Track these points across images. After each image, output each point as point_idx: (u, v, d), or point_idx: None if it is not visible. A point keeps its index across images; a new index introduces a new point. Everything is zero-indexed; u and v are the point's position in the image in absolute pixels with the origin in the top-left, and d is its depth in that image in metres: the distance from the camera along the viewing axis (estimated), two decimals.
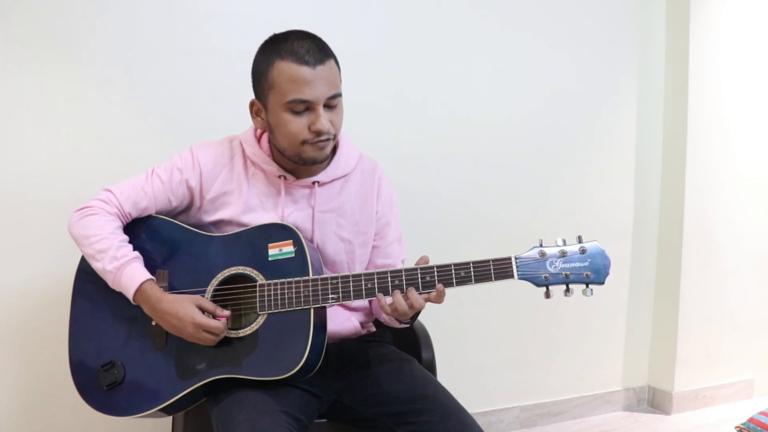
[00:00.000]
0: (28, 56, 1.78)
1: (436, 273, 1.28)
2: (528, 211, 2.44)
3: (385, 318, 1.48)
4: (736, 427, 2.13)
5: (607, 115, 2.57)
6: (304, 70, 1.30)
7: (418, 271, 1.29)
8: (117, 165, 1.85)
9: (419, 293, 1.28)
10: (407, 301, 1.28)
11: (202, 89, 1.95)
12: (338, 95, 1.36)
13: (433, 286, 1.28)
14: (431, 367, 1.65)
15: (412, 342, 1.67)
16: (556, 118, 2.47)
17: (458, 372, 2.36)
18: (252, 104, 1.41)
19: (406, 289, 1.28)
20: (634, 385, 2.73)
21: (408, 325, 1.44)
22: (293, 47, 1.32)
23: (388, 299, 1.30)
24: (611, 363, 2.68)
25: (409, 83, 2.23)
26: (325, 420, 1.46)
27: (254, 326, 1.33)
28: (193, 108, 1.94)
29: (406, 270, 1.29)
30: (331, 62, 1.35)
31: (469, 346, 2.41)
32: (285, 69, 1.31)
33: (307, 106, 1.33)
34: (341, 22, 2.11)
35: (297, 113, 1.33)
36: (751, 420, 2.09)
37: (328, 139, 1.36)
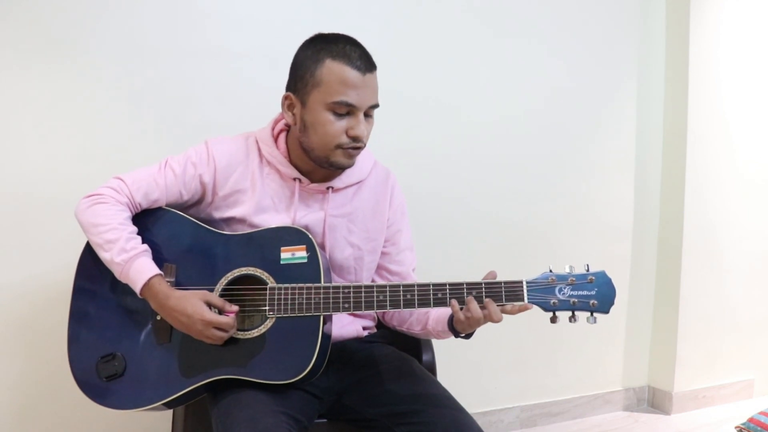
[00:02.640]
0: (28, 57, 1.78)
1: (448, 290, 1.29)
2: (528, 212, 2.44)
3: (429, 329, 1.46)
4: (736, 427, 2.14)
5: (607, 116, 2.57)
6: (355, 75, 1.30)
7: (431, 287, 1.29)
8: (117, 164, 1.84)
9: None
10: (484, 311, 1.27)
11: (202, 89, 1.95)
12: (377, 106, 1.37)
13: (445, 303, 1.29)
14: (431, 367, 1.65)
15: (412, 342, 1.67)
16: (557, 119, 2.47)
17: (458, 372, 2.36)
18: (286, 98, 1.39)
19: (485, 300, 1.28)
20: (634, 385, 2.73)
21: (465, 337, 1.42)
22: (345, 50, 1.31)
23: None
24: (611, 363, 2.68)
25: (409, 84, 2.22)
26: (325, 420, 1.46)
27: (262, 329, 1.32)
28: (193, 108, 1.94)
29: (419, 285, 1.30)
30: (376, 73, 1.35)
31: (469, 346, 2.38)
32: (336, 69, 1.30)
33: (350, 110, 1.32)
34: (341, 22, 2.11)
35: (338, 115, 1.32)
36: (751, 420, 2.09)
37: (359, 147, 1.36)
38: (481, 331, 2.37)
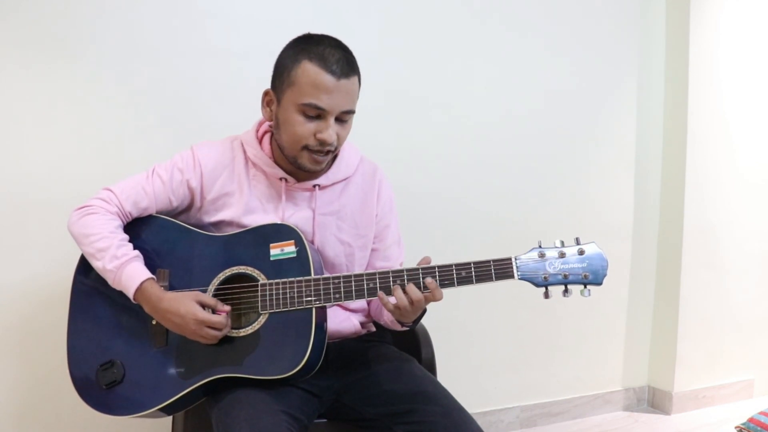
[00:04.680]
0: (28, 57, 1.78)
1: (437, 273, 1.28)
2: (528, 211, 2.44)
3: (386, 320, 1.48)
4: (736, 427, 2.13)
5: (607, 115, 2.58)
6: (329, 79, 1.30)
7: (420, 271, 1.29)
8: (117, 165, 1.85)
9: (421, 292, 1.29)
10: (407, 297, 1.28)
11: (202, 89, 1.95)
12: (352, 112, 1.37)
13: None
14: (431, 366, 1.65)
15: (412, 342, 1.67)
16: (556, 119, 2.47)
17: (458, 372, 2.36)
18: (266, 93, 1.41)
19: (407, 285, 1.28)
20: (634, 385, 2.73)
21: (409, 328, 1.43)
22: (324, 53, 1.31)
23: (391, 299, 1.30)
24: (611, 363, 2.68)
25: (409, 84, 2.23)
26: (325, 420, 1.46)
27: (255, 325, 1.33)
28: (193, 108, 1.94)
29: (408, 270, 1.30)
30: (355, 79, 1.35)
31: (469, 346, 2.41)
32: (310, 71, 1.30)
33: (320, 114, 1.32)
34: (341, 22, 2.11)
35: (308, 117, 1.33)
36: (751, 420, 2.09)
37: (328, 152, 1.36)
38: (481, 331, 2.40)
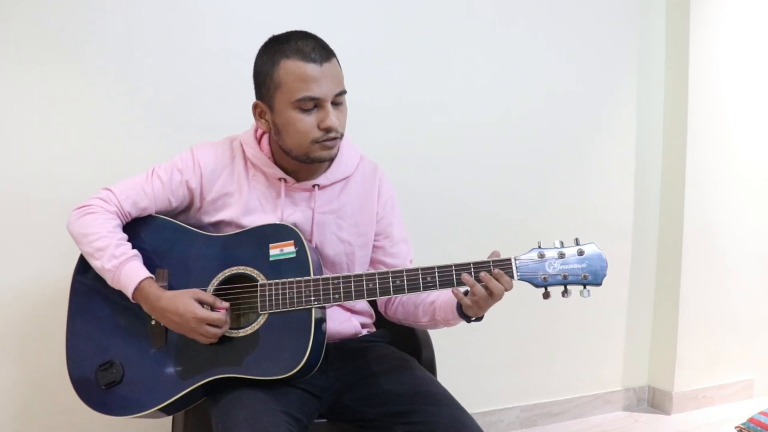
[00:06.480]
0: (27, 56, 1.78)
1: (437, 273, 1.29)
2: (528, 211, 2.44)
3: (435, 318, 1.44)
4: (736, 427, 2.13)
5: (607, 115, 2.57)
6: (312, 68, 1.30)
7: (419, 271, 1.29)
8: (117, 165, 1.85)
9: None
10: (484, 285, 1.26)
11: (202, 89, 1.95)
12: (344, 92, 1.37)
13: (435, 287, 1.29)
14: (431, 367, 1.65)
15: (412, 342, 1.67)
16: (557, 119, 2.47)
17: (458, 372, 2.36)
18: (255, 106, 1.41)
19: (475, 275, 1.27)
20: (634, 385, 2.73)
21: (479, 321, 1.38)
22: (298, 46, 1.32)
23: (462, 288, 1.29)
24: (611, 363, 2.68)
25: (410, 84, 2.23)
26: (325, 420, 1.46)
27: (255, 326, 1.33)
28: (193, 108, 1.94)
29: (408, 271, 1.30)
30: (335, 60, 1.35)
31: (469, 346, 2.41)
32: (292, 67, 1.31)
33: (316, 104, 1.33)
34: (342, 23, 2.11)
35: (305, 111, 1.33)
36: (751, 420, 2.09)
37: (335, 138, 1.36)
38: (481, 331, 2.40)
